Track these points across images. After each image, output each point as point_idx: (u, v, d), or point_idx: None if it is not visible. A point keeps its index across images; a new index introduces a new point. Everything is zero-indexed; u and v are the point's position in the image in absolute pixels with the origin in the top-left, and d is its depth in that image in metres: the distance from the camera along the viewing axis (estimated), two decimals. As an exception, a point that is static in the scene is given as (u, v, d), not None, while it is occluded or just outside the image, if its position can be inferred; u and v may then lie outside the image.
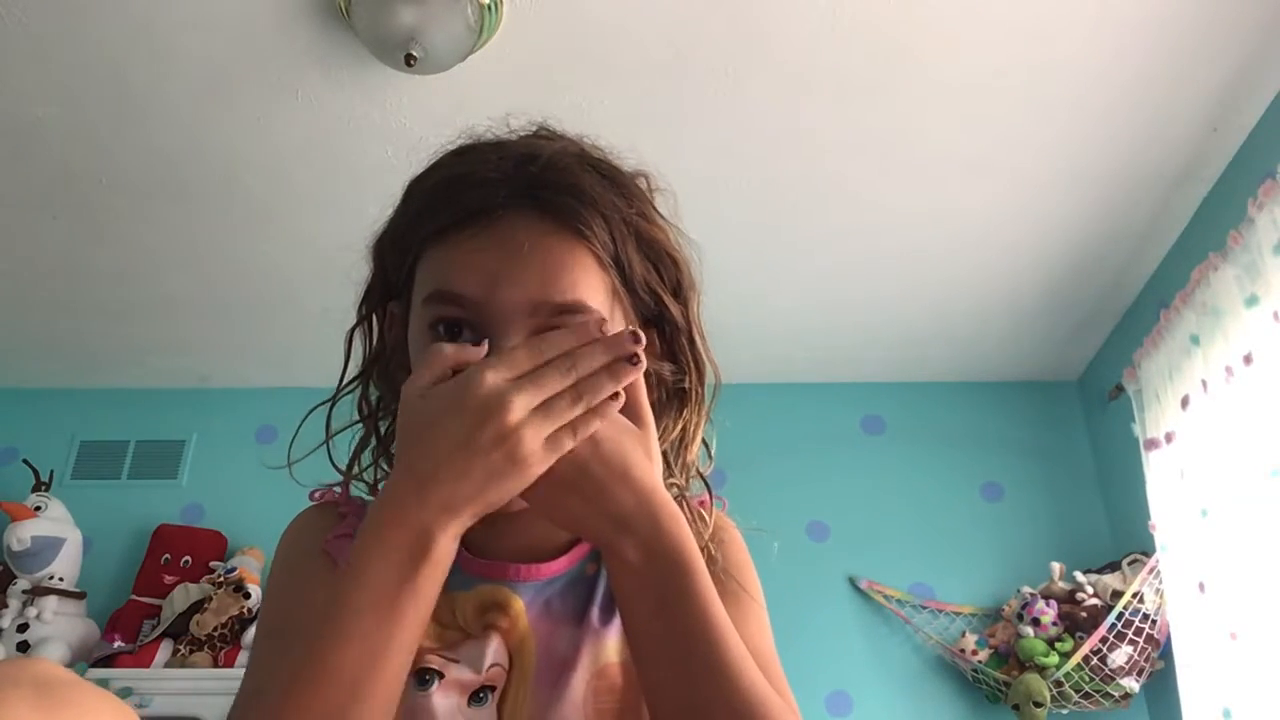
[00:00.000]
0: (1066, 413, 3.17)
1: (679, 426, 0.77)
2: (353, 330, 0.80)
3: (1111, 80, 2.10)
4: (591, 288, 0.70)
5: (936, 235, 2.56)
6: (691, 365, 0.77)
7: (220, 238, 2.56)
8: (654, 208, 0.77)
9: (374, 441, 0.81)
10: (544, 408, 0.62)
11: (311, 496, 0.81)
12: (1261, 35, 1.99)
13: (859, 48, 2.01)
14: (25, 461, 2.97)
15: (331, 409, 0.80)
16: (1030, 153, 2.29)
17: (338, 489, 0.80)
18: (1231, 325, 2.13)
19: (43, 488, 2.93)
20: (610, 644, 0.72)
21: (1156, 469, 2.46)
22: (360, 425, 0.81)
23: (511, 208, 0.69)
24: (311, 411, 0.81)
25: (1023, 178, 2.37)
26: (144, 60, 2.04)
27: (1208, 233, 2.34)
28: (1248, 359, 2.06)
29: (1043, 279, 2.73)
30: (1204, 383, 2.23)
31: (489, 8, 1.88)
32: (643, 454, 0.67)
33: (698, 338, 0.77)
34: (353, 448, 0.80)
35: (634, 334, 0.65)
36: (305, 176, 2.34)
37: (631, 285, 0.73)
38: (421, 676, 0.69)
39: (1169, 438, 2.40)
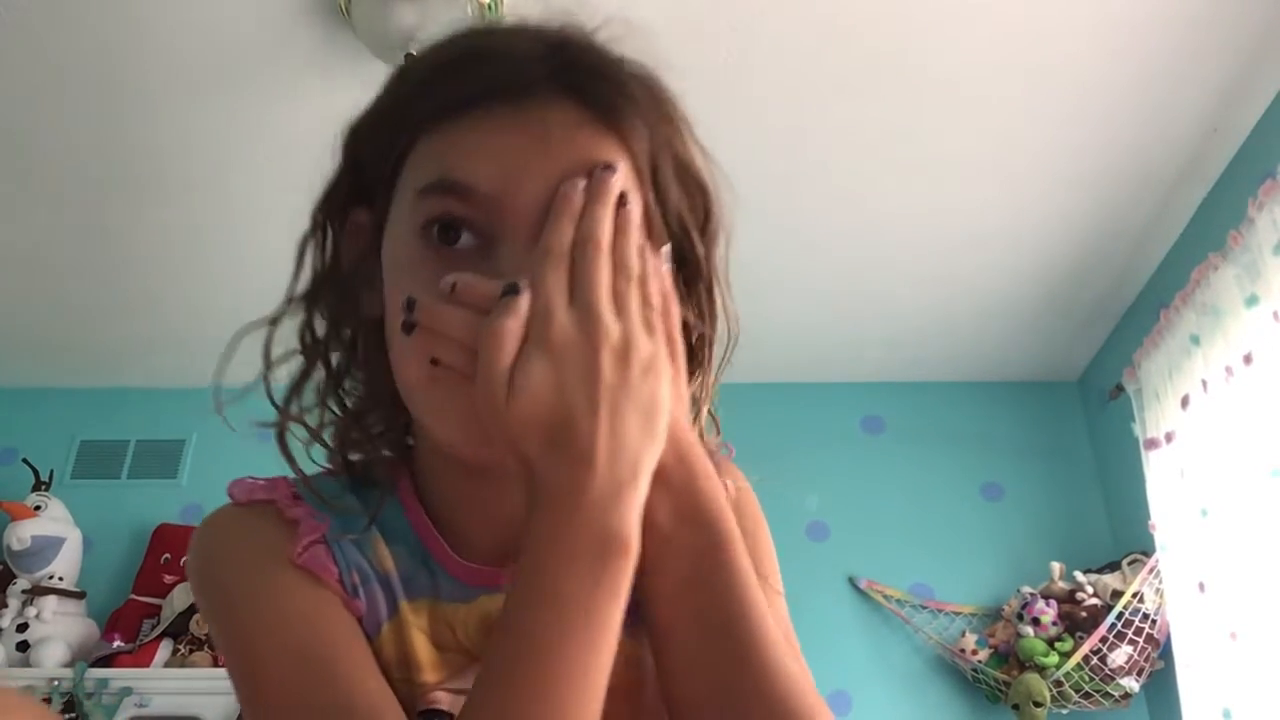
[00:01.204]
0: (1067, 412, 3.17)
1: (694, 385, 0.67)
2: (305, 240, 0.67)
3: (1112, 80, 2.10)
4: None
5: (936, 235, 2.56)
6: (707, 316, 0.67)
7: (220, 236, 2.56)
8: (692, 131, 0.66)
9: (328, 384, 0.66)
10: (616, 304, 0.53)
11: (231, 492, 0.65)
12: (1262, 35, 1.98)
13: (860, 47, 2.01)
14: (25, 461, 2.97)
15: (272, 332, 0.65)
16: (1031, 152, 2.29)
17: (259, 479, 0.66)
18: (1231, 325, 2.13)
19: (42, 487, 2.93)
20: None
21: (1156, 469, 2.46)
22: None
23: (544, 89, 0.58)
24: (245, 331, 0.66)
25: (1023, 177, 2.37)
26: (144, 59, 2.04)
27: (1208, 233, 2.34)
28: (1248, 359, 2.06)
29: (1043, 279, 2.73)
30: (1204, 382, 2.23)
31: (489, 7, 1.88)
32: (675, 396, 0.56)
33: (716, 286, 0.67)
34: (291, 381, 0.66)
35: (606, 165, 0.56)
36: (305, 175, 2.34)
37: (665, 210, 0.61)
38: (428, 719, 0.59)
39: (1169, 437, 2.40)
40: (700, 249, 0.65)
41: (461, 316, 0.52)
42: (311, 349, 0.66)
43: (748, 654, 0.56)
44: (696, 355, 0.67)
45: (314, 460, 0.66)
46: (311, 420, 0.65)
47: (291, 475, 0.65)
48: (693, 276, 0.66)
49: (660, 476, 0.54)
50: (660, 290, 0.56)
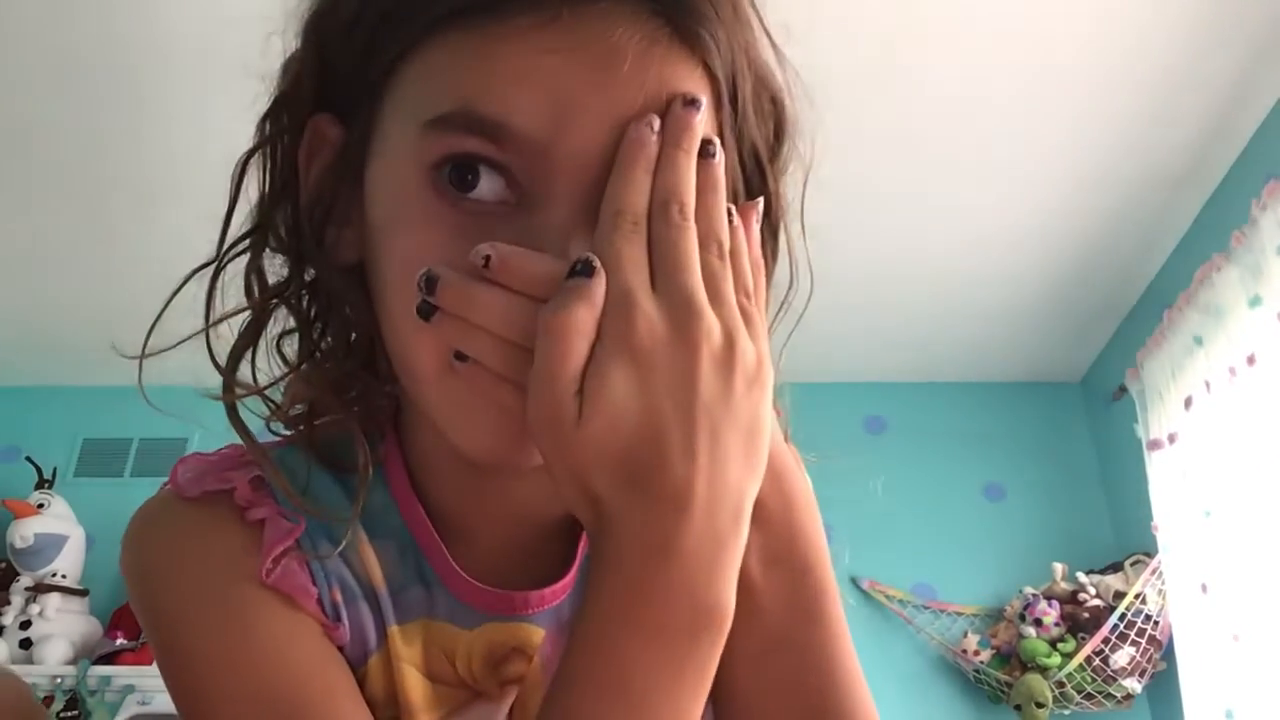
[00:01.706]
0: (1069, 413, 3.16)
1: None
2: (249, 156, 0.54)
3: (1115, 81, 2.09)
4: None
5: (939, 235, 2.56)
6: (769, 259, 0.53)
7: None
8: (770, 38, 0.52)
9: (302, 343, 0.53)
10: (710, 286, 0.41)
11: (175, 477, 0.51)
12: (1265, 36, 1.98)
13: (861, 47, 2.01)
14: (28, 459, 2.97)
15: (215, 279, 0.52)
16: (1033, 152, 2.29)
17: (211, 455, 0.53)
18: (1234, 326, 2.13)
19: (45, 485, 2.94)
20: None
21: (1159, 469, 2.46)
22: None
23: None
24: (186, 280, 0.54)
25: (1025, 177, 2.36)
26: (148, 57, 2.04)
27: (1211, 233, 2.34)
28: (1250, 359, 2.06)
29: (1046, 279, 2.72)
30: (1207, 383, 2.23)
31: None
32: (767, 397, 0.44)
33: (782, 225, 0.54)
34: (237, 338, 0.52)
35: (689, 100, 0.42)
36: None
37: (740, 139, 0.48)
38: None
39: (1172, 438, 2.40)
40: (771, 182, 0.52)
41: (500, 301, 0.40)
42: (262, 298, 0.52)
43: (831, 713, 0.47)
44: None
45: (272, 430, 0.55)
46: (270, 385, 0.53)
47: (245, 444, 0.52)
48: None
49: (755, 510, 0.42)
50: (753, 264, 0.44)
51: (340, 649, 0.49)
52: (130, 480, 3.10)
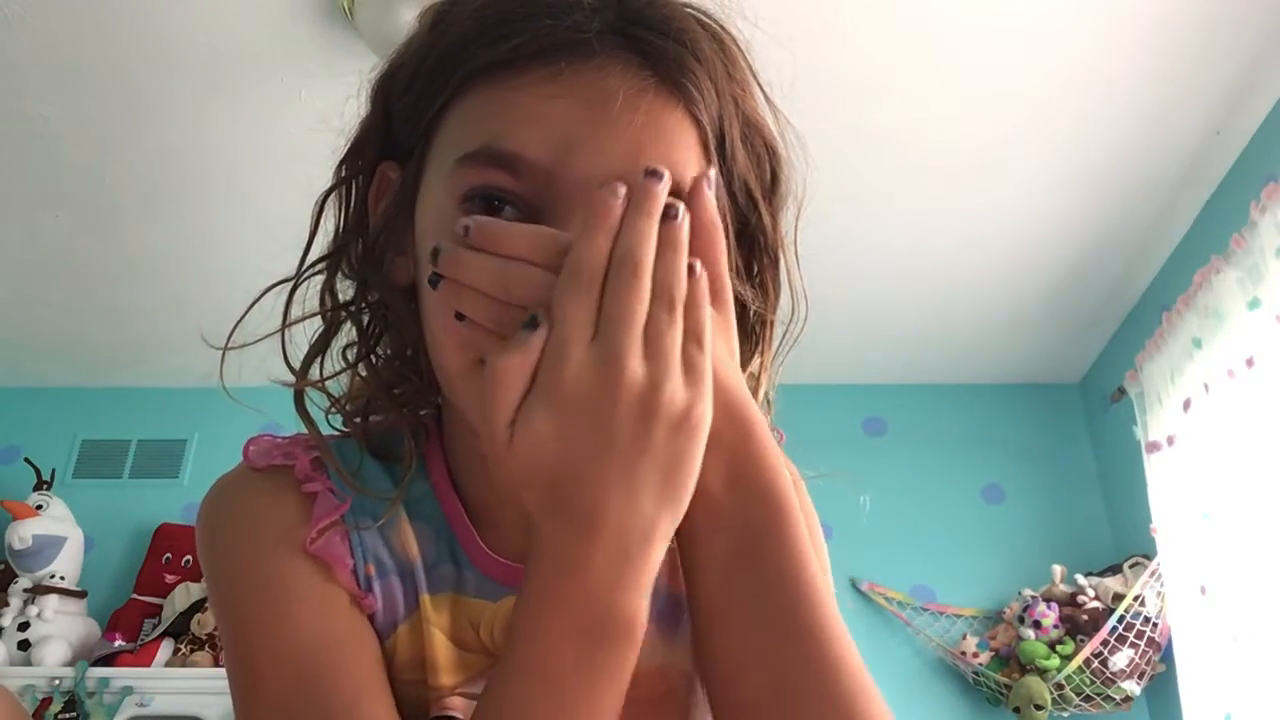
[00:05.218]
0: (1068, 415, 3.16)
1: (751, 365, 0.61)
2: (326, 195, 0.63)
3: (1115, 82, 2.10)
4: (689, 171, 0.52)
5: (939, 237, 2.56)
6: (771, 290, 0.62)
7: (223, 236, 2.56)
8: (760, 85, 0.60)
9: (359, 350, 0.62)
10: (650, 343, 0.45)
11: (247, 452, 0.59)
12: (1265, 38, 1.98)
13: (861, 47, 2.01)
14: (27, 460, 2.97)
15: (292, 293, 0.61)
16: (1032, 154, 2.29)
17: (279, 437, 0.61)
18: (1233, 328, 2.13)
19: (44, 486, 2.94)
20: (646, 645, 0.54)
21: (1158, 471, 2.46)
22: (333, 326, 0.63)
23: (603, 46, 0.52)
24: (266, 292, 0.62)
25: (1025, 179, 2.37)
26: (148, 59, 2.04)
27: (1210, 235, 2.34)
28: (1249, 362, 2.06)
29: (1045, 281, 2.73)
30: (1206, 385, 2.23)
31: None
32: (724, 346, 0.51)
33: (782, 256, 0.62)
34: (311, 344, 0.61)
35: (650, 170, 0.47)
36: (308, 176, 2.34)
37: (730, 180, 0.56)
38: None
39: (1170, 440, 2.40)
40: (766, 218, 0.60)
41: (481, 262, 0.46)
42: (333, 312, 0.61)
43: (812, 649, 0.49)
44: (754, 335, 0.61)
45: (331, 424, 0.62)
46: (331, 385, 0.61)
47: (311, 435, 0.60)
48: (756, 248, 0.60)
49: (710, 439, 0.47)
50: (717, 279, 0.50)
51: (371, 618, 0.55)
52: (129, 482, 3.10)
